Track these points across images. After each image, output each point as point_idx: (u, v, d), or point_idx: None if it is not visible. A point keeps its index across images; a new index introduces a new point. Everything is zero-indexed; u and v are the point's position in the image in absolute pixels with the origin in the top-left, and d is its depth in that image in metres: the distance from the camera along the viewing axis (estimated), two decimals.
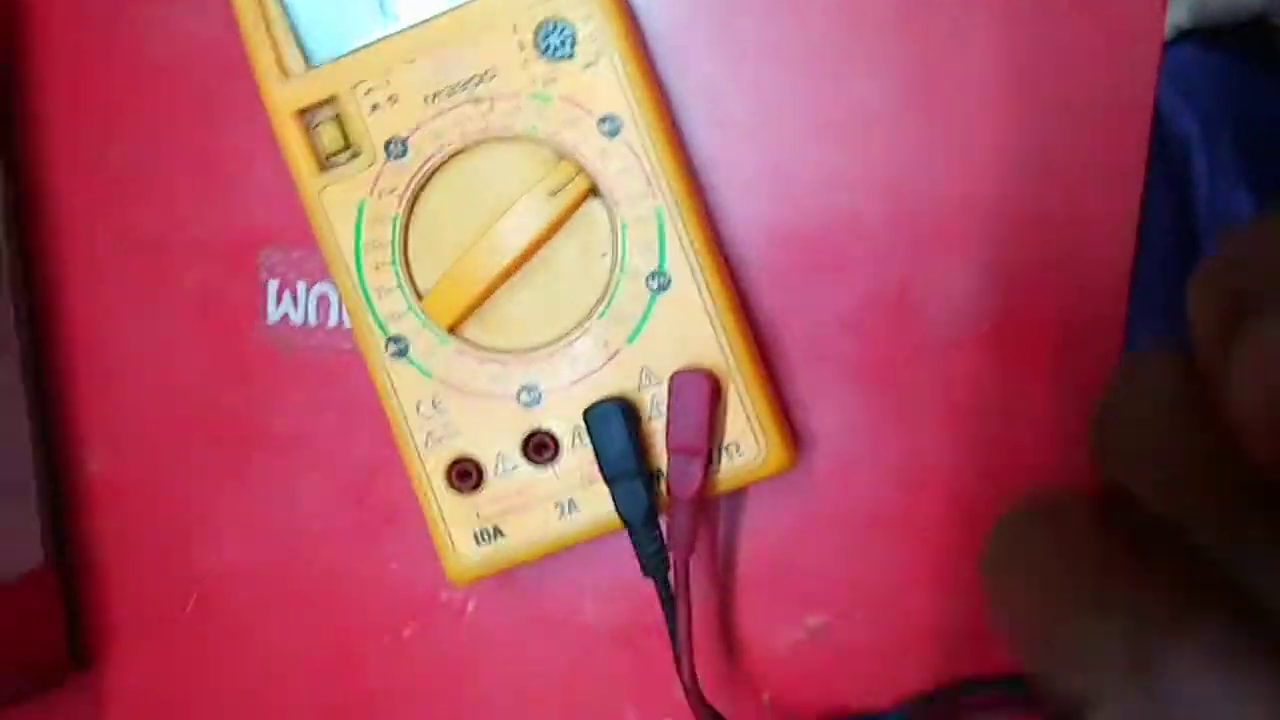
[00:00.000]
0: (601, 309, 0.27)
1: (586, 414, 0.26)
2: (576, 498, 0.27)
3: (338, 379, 0.31)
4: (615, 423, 0.26)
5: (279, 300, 0.32)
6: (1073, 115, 0.29)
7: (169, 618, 0.33)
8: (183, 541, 0.33)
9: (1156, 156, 0.52)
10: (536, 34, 0.26)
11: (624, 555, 0.27)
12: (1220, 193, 0.52)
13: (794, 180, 0.29)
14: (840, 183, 0.29)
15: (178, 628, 0.33)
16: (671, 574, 0.26)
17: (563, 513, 0.27)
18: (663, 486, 0.26)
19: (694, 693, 0.26)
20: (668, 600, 0.26)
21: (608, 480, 0.26)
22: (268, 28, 0.27)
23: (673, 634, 0.26)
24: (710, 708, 0.27)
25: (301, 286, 0.32)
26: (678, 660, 0.26)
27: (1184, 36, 0.53)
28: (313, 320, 0.32)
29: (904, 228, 0.29)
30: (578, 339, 0.27)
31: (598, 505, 0.27)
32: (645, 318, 0.27)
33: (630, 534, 0.26)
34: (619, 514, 0.26)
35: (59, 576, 0.33)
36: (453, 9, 0.27)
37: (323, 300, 0.32)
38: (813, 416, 0.29)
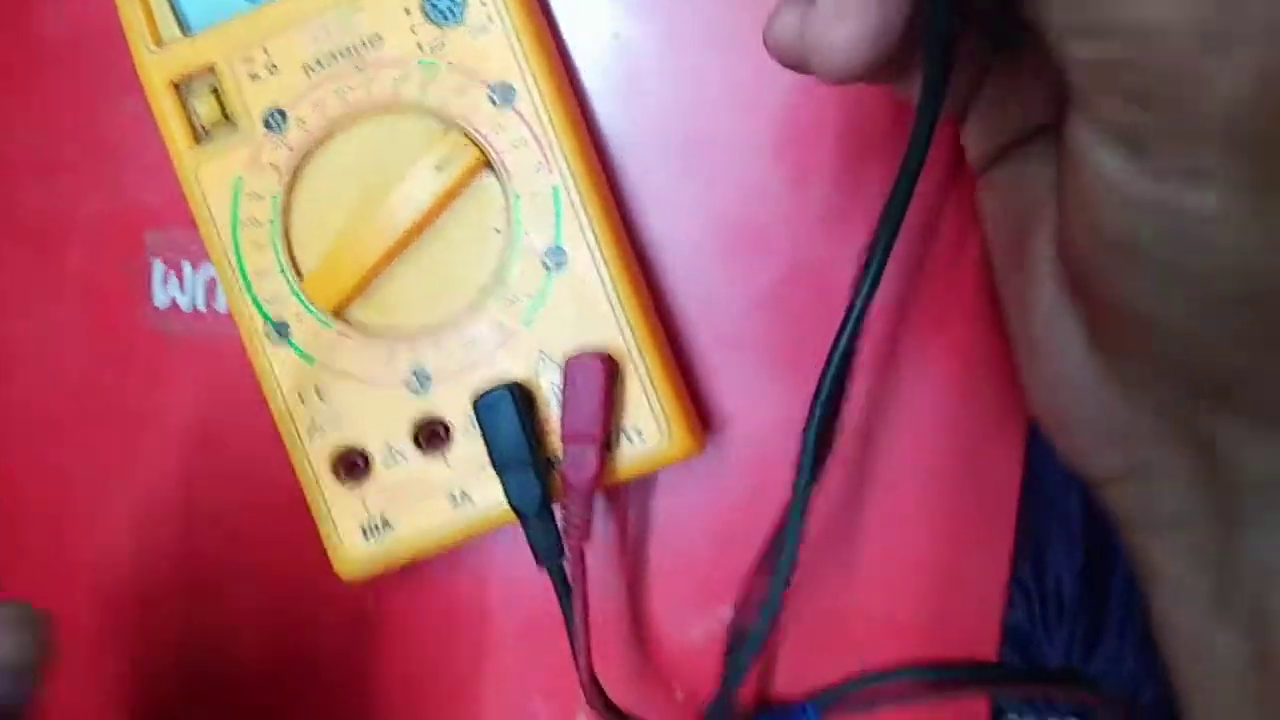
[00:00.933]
0: (495, 289, 0.25)
1: (476, 403, 0.25)
2: (470, 488, 0.26)
3: (227, 365, 0.30)
4: (506, 411, 0.24)
5: (165, 284, 0.30)
6: None
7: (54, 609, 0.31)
8: (68, 535, 0.31)
9: None
10: None
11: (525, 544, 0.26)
12: None
13: (706, 154, 0.28)
14: (753, 161, 0.28)
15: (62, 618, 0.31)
16: (569, 568, 0.25)
17: (455, 503, 0.26)
18: (558, 477, 0.25)
19: (591, 688, 0.25)
20: (564, 593, 0.25)
21: (498, 470, 0.25)
22: None
23: (569, 627, 0.25)
24: (608, 701, 0.26)
25: (188, 270, 0.30)
26: (575, 654, 0.25)
27: None
28: (201, 305, 0.30)
29: (817, 205, 0.28)
30: (470, 321, 0.26)
31: (493, 495, 0.26)
32: (542, 298, 0.25)
33: (523, 525, 0.25)
34: (510, 504, 0.25)
35: None
36: None
37: (211, 284, 0.30)
38: (725, 400, 0.28)
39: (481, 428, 0.25)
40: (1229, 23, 0.13)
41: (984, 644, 0.28)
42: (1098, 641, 0.50)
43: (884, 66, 0.17)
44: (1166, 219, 0.14)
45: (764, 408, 0.28)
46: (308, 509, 0.27)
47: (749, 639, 0.25)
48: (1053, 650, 0.49)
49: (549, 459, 0.25)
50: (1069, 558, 0.50)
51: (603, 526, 0.29)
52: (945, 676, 0.28)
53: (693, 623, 0.29)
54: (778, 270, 0.28)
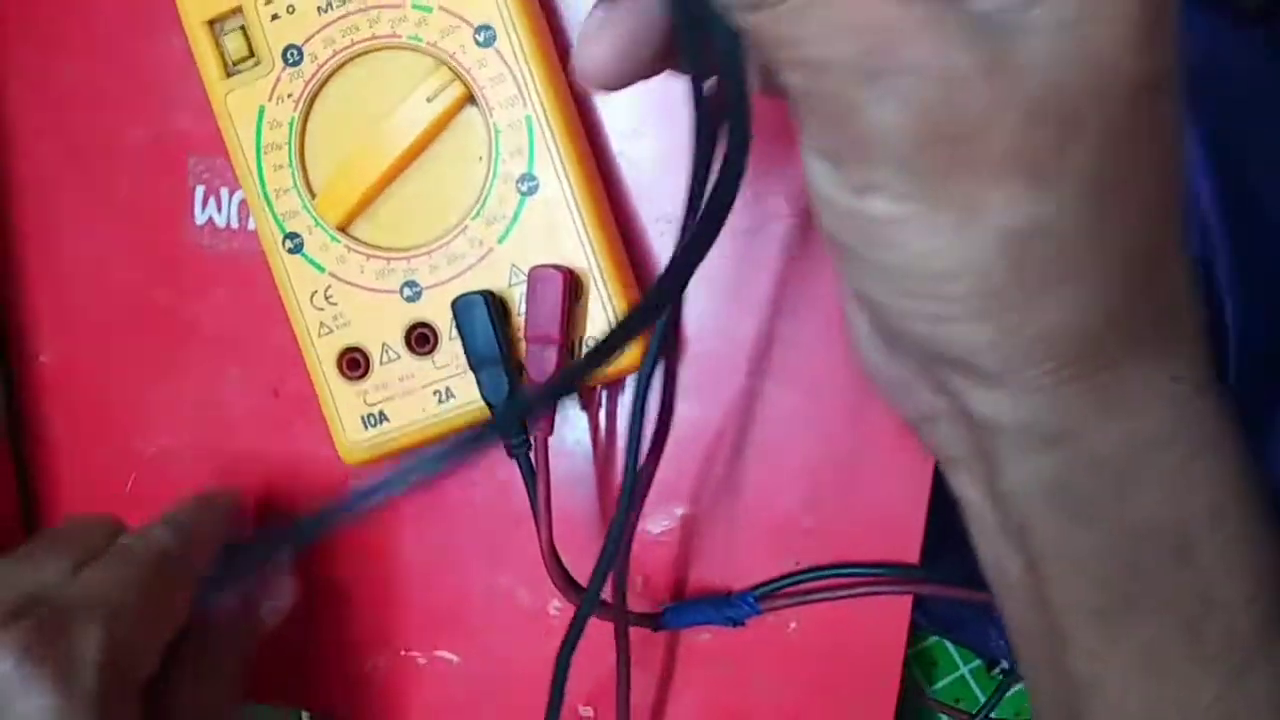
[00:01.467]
0: (476, 210, 0.29)
1: (454, 304, 0.28)
2: (453, 386, 0.29)
3: (257, 279, 0.34)
4: (479, 313, 0.28)
5: (204, 204, 0.34)
6: None
7: (110, 495, 0.36)
8: (122, 425, 0.36)
9: None
10: None
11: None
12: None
13: (669, 87, 0.31)
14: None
15: (118, 503, 0.36)
16: (534, 454, 0.29)
17: (440, 399, 0.30)
18: (524, 375, 0.28)
19: (551, 560, 0.29)
20: (529, 476, 0.29)
21: (473, 366, 0.28)
22: None
23: (534, 508, 0.29)
24: (566, 574, 0.29)
25: (225, 192, 0.34)
26: (538, 531, 0.28)
27: None
28: (235, 223, 0.34)
29: (777, 137, 0.31)
30: (455, 238, 0.29)
31: (473, 393, 0.29)
32: (515, 219, 0.29)
33: (492, 415, 0.29)
34: (483, 397, 0.28)
35: (13, 455, 0.36)
36: None
37: (243, 205, 0.34)
38: (684, 323, 0.31)
39: (459, 327, 0.28)
40: (879, 61, 0.15)
41: (909, 551, 0.31)
42: None
43: (653, 66, 0.20)
44: (860, 223, 0.18)
45: (718, 328, 0.31)
46: (319, 411, 0.31)
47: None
48: None
49: (519, 362, 0.29)
50: None
51: (572, 430, 0.32)
52: (870, 574, 0.30)
53: (651, 518, 0.32)
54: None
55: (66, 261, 0.36)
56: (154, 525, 0.28)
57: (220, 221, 0.34)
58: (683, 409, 0.31)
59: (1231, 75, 0.54)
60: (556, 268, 0.28)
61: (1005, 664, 0.55)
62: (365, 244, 0.30)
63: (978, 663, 0.65)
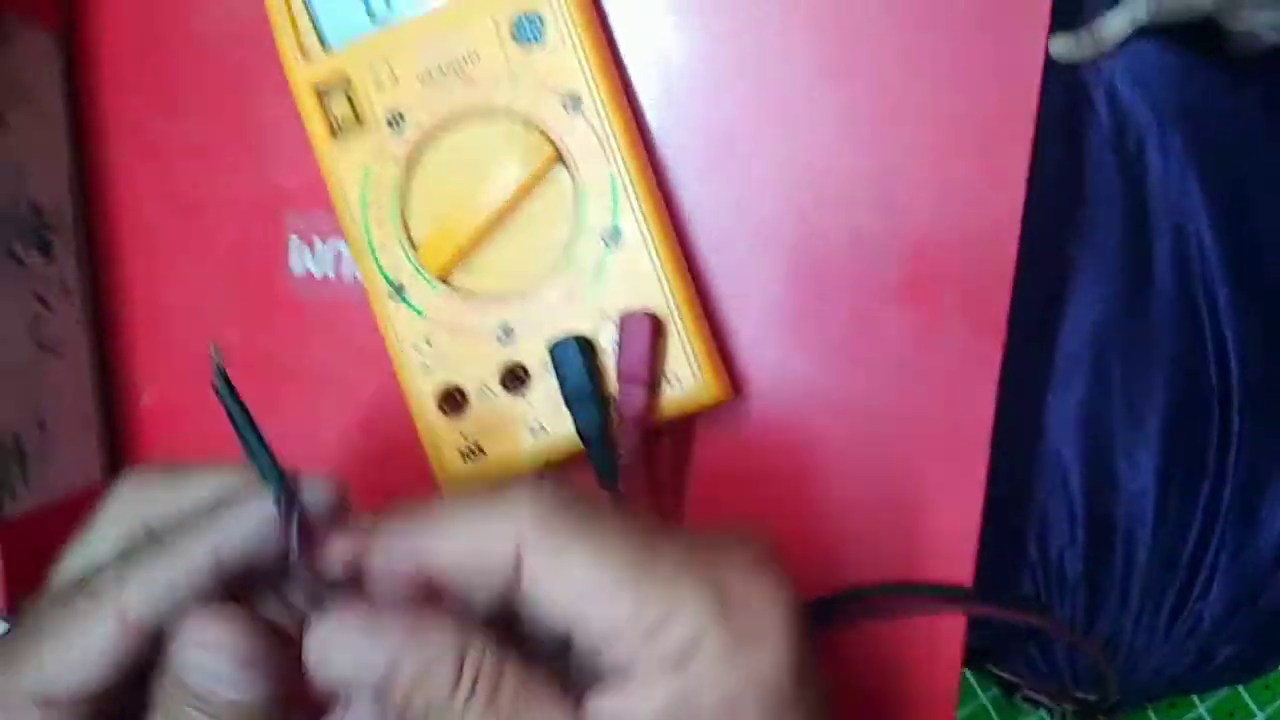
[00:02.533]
0: (565, 260, 0.32)
1: (550, 346, 0.31)
2: (545, 421, 0.32)
3: (350, 325, 0.36)
4: (574, 354, 0.31)
5: (300, 255, 0.37)
6: (963, 102, 0.33)
7: None
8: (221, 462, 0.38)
9: (1112, 143, 0.56)
10: (513, 24, 0.31)
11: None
12: (1172, 177, 0.56)
13: (731, 151, 0.34)
14: (774, 159, 0.34)
15: None
16: (622, 483, 0.31)
17: (534, 434, 0.32)
18: (614, 411, 0.31)
19: None
20: (620, 506, 0.31)
21: (568, 403, 0.31)
22: (291, 16, 0.33)
23: None
24: None
25: (319, 243, 0.37)
26: None
27: (1143, 33, 0.57)
28: (330, 273, 0.37)
29: (826, 195, 0.34)
30: (546, 286, 0.32)
31: (563, 428, 0.32)
32: (601, 268, 0.32)
33: (587, 449, 0.31)
34: (578, 432, 0.31)
35: None
36: (444, 4, 0.32)
37: (338, 256, 0.37)
38: (750, 360, 0.34)
39: (555, 367, 0.31)
40: None
41: (962, 574, 0.33)
42: (1098, 613, 0.55)
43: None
44: None
45: (781, 369, 0.34)
46: (411, 449, 0.33)
47: None
48: (1059, 618, 0.54)
49: (607, 398, 0.31)
50: (1071, 538, 0.55)
51: (648, 460, 0.35)
52: (925, 593, 0.33)
53: None
54: (792, 251, 0.34)
55: (168, 308, 0.38)
56: None
57: (316, 271, 0.37)
58: (747, 442, 0.34)
59: (1228, 121, 0.57)
60: (644, 313, 0.31)
61: (1028, 690, 0.57)
62: (463, 291, 0.32)
63: (995, 691, 0.67)
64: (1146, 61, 0.57)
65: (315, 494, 0.23)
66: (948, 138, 0.33)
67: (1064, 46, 0.57)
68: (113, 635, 0.21)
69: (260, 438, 0.23)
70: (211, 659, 0.21)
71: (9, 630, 0.23)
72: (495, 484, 0.22)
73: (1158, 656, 0.56)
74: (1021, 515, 0.56)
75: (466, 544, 0.22)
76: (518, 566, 0.21)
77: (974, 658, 0.58)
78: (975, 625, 0.35)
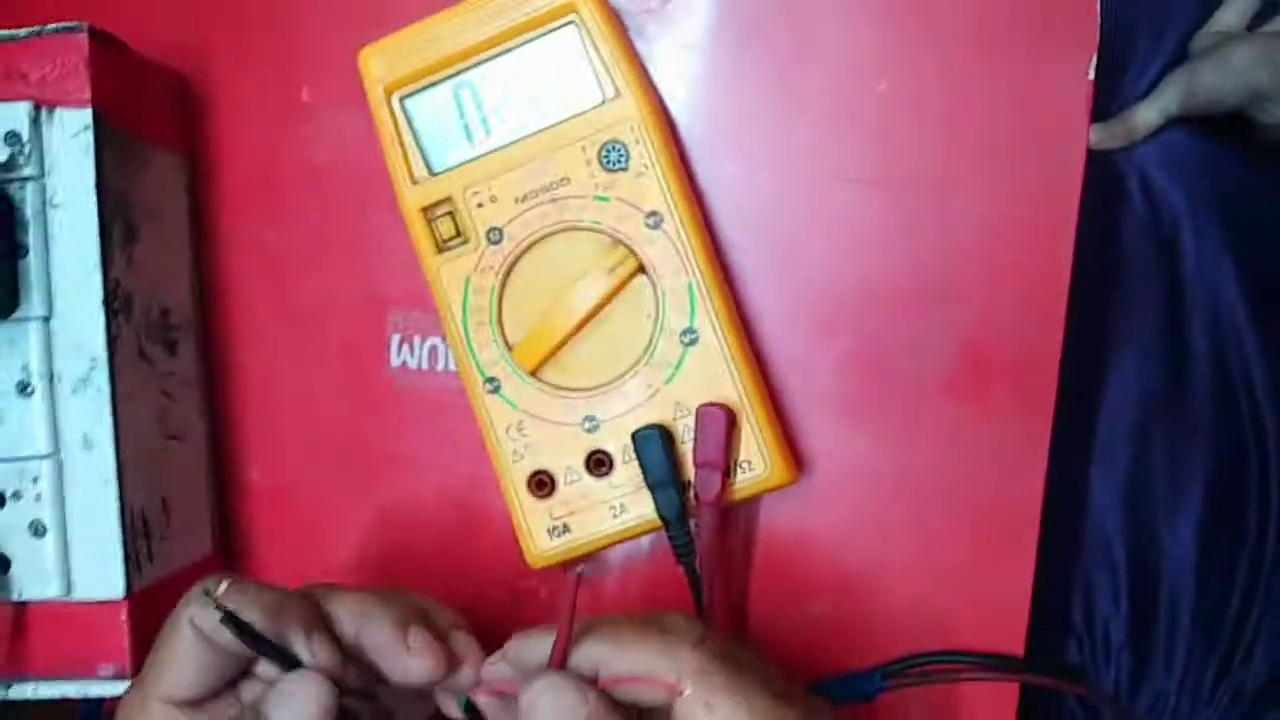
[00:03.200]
0: (646, 358, 0.35)
1: (634, 436, 0.34)
2: (626, 503, 0.35)
3: (444, 412, 0.40)
4: (655, 443, 0.34)
5: (399, 350, 0.41)
6: (1007, 198, 0.36)
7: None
8: (322, 538, 0.42)
9: (1148, 228, 0.59)
10: (599, 152, 0.35)
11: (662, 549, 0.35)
12: (1206, 260, 0.58)
13: (797, 263, 0.38)
14: (832, 262, 0.37)
15: None
16: (698, 562, 0.34)
17: (615, 514, 0.35)
18: (691, 494, 0.34)
19: None
20: (695, 583, 0.34)
21: (650, 487, 0.34)
22: (402, 145, 0.37)
23: (699, 609, 0.34)
24: None
25: (417, 340, 0.41)
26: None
27: (1175, 123, 0.60)
28: (425, 366, 0.41)
29: (881, 294, 0.37)
30: (628, 381, 0.35)
31: (643, 508, 0.35)
32: (679, 365, 0.35)
33: (666, 530, 0.34)
34: (659, 514, 0.34)
35: (224, 566, 0.42)
36: (537, 132, 0.36)
37: (433, 351, 0.41)
38: (813, 443, 0.37)
39: (637, 455, 0.34)
40: None
41: (1014, 644, 0.36)
42: (1142, 680, 0.56)
43: None
44: None
45: (842, 451, 0.37)
46: (499, 526, 0.37)
47: None
48: (1103, 685, 0.56)
49: (685, 483, 0.35)
50: (1115, 603, 0.57)
51: (722, 538, 0.38)
52: (980, 661, 0.36)
53: (785, 611, 0.38)
54: (851, 345, 0.37)
55: (278, 395, 0.42)
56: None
57: (413, 364, 0.41)
58: (812, 520, 0.37)
59: (1259, 204, 0.60)
60: (719, 405, 0.34)
61: None
62: (553, 385, 0.36)
63: None
64: (1179, 150, 0.60)
65: None
66: (995, 238, 0.36)
67: (1098, 135, 0.61)
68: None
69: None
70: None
71: None
72: (662, 622, 0.29)
73: None
74: (1066, 584, 0.58)
75: (642, 668, 0.27)
76: (676, 694, 0.27)
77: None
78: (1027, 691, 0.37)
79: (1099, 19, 0.36)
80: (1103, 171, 0.61)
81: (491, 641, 0.38)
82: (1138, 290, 0.58)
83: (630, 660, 0.27)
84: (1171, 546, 0.57)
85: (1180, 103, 0.59)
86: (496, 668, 0.31)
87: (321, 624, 0.30)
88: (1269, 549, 0.56)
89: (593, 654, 0.28)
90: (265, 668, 0.29)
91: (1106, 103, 0.61)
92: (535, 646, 0.29)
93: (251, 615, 0.28)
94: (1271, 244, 0.59)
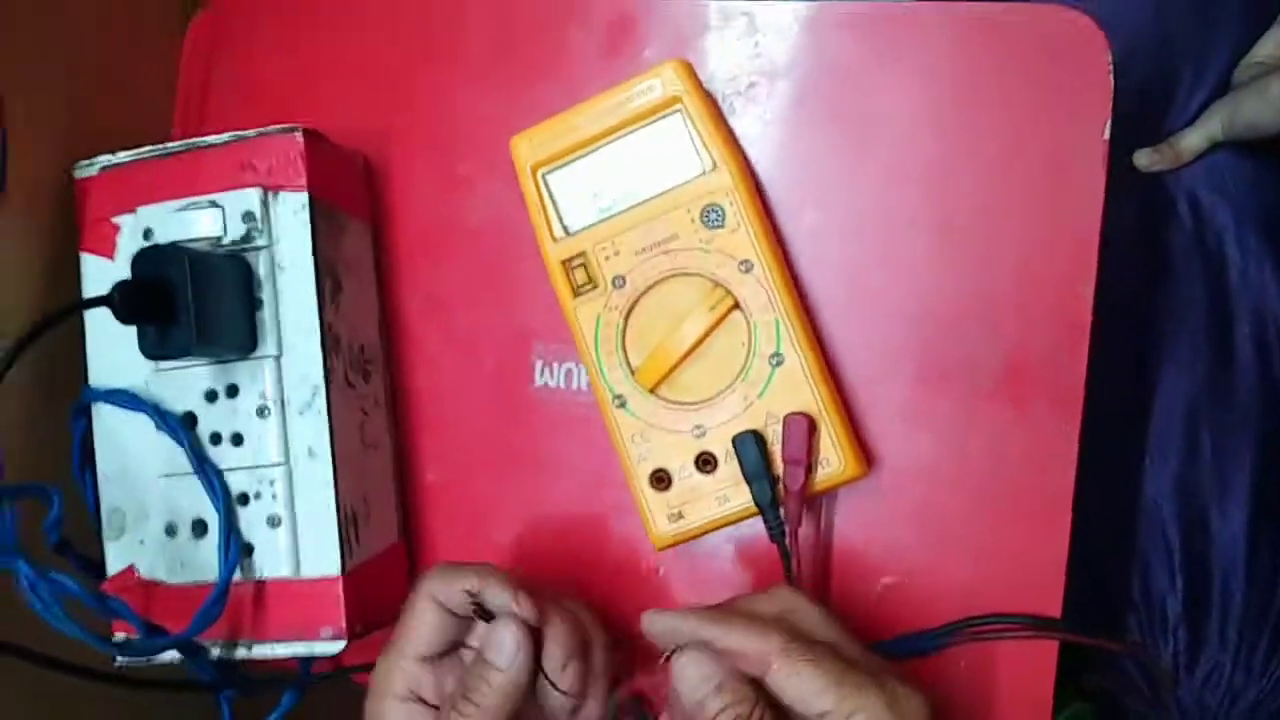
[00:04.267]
0: (742, 377, 0.44)
1: (734, 440, 0.43)
2: (729, 494, 0.44)
3: (578, 423, 0.50)
4: (751, 445, 0.43)
5: (541, 374, 0.51)
6: (1039, 239, 0.44)
7: None
8: (483, 526, 0.52)
9: (1195, 243, 0.65)
10: (701, 213, 0.44)
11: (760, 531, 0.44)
12: (1251, 273, 0.64)
13: (865, 295, 0.46)
14: (895, 294, 0.46)
15: None
16: (788, 541, 0.43)
17: (720, 503, 0.44)
18: (780, 486, 0.43)
19: None
20: (786, 559, 0.43)
21: (748, 481, 0.43)
22: (545, 211, 0.46)
23: (789, 579, 0.43)
24: None
25: (556, 364, 0.50)
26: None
27: (1219, 146, 0.66)
28: (562, 385, 0.50)
29: (935, 320, 0.45)
30: (728, 396, 0.44)
31: (742, 498, 0.44)
32: (768, 382, 0.44)
33: (762, 515, 0.43)
34: (755, 503, 0.43)
35: (407, 549, 0.53)
36: (651, 199, 0.45)
37: (569, 373, 0.50)
38: (881, 444, 0.46)
39: (737, 455, 0.43)
40: None
41: (1052, 607, 0.44)
42: (1199, 652, 0.62)
43: None
44: None
45: (905, 450, 0.45)
46: (625, 514, 0.46)
47: None
48: (1162, 657, 0.62)
49: (775, 477, 0.43)
50: (1171, 581, 0.63)
51: (807, 522, 0.46)
52: (1020, 622, 0.43)
53: (858, 585, 0.46)
54: (912, 364, 0.45)
55: (445, 410, 0.52)
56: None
57: (552, 384, 0.51)
58: (881, 509, 0.46)
59: None
60: (802, 414, 0.43)
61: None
62: (668, 400, 0.45)
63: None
64: (1224, 170, 0.66)
65: None
66: (1030, 272, 0.44)
67: (1147, 159, 0.67)
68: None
69: None
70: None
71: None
72: (757, 605, 0.38)
73: (1255, 691, 0.63)
74: (1125, 564, 0.64)
75: (737, 645, 0.36)
76: (767, 668, 0.35)
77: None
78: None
79: (1113, 92, 0.43)
80: (1153, 191, 0.67)
81: (621, 612, 0.48)
82: (1186, 300, 0.65)
83: (727, 643, 0.36)
84: (1222, 530, 0.63)
85: (1223, 129, 0.65)
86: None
87: (525, 588, 0.39)
88: None
89: (694, 634, 0.36)
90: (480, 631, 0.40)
91: (1155, 128, 0.68)
92: (669, 621, 0.38)
93: (471, 583, 0.38)
94: None
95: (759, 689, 0.35)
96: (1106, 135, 0.43)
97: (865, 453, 0.45)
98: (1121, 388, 0.63)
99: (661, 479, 0.45)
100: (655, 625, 0.38)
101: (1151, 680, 0.63)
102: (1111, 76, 0.43)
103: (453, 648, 0.41)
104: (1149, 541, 0.64)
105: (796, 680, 0.34)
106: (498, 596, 0.39)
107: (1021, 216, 0.44)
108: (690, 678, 0.35)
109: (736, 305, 0.44)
